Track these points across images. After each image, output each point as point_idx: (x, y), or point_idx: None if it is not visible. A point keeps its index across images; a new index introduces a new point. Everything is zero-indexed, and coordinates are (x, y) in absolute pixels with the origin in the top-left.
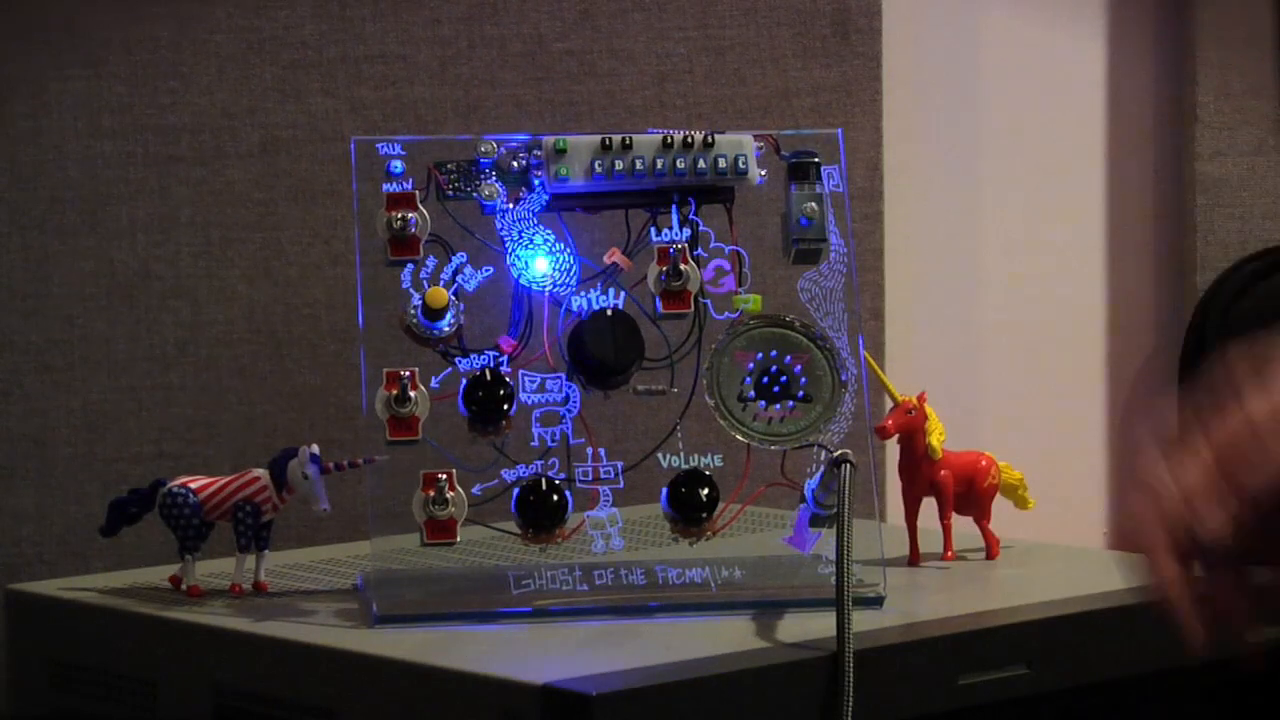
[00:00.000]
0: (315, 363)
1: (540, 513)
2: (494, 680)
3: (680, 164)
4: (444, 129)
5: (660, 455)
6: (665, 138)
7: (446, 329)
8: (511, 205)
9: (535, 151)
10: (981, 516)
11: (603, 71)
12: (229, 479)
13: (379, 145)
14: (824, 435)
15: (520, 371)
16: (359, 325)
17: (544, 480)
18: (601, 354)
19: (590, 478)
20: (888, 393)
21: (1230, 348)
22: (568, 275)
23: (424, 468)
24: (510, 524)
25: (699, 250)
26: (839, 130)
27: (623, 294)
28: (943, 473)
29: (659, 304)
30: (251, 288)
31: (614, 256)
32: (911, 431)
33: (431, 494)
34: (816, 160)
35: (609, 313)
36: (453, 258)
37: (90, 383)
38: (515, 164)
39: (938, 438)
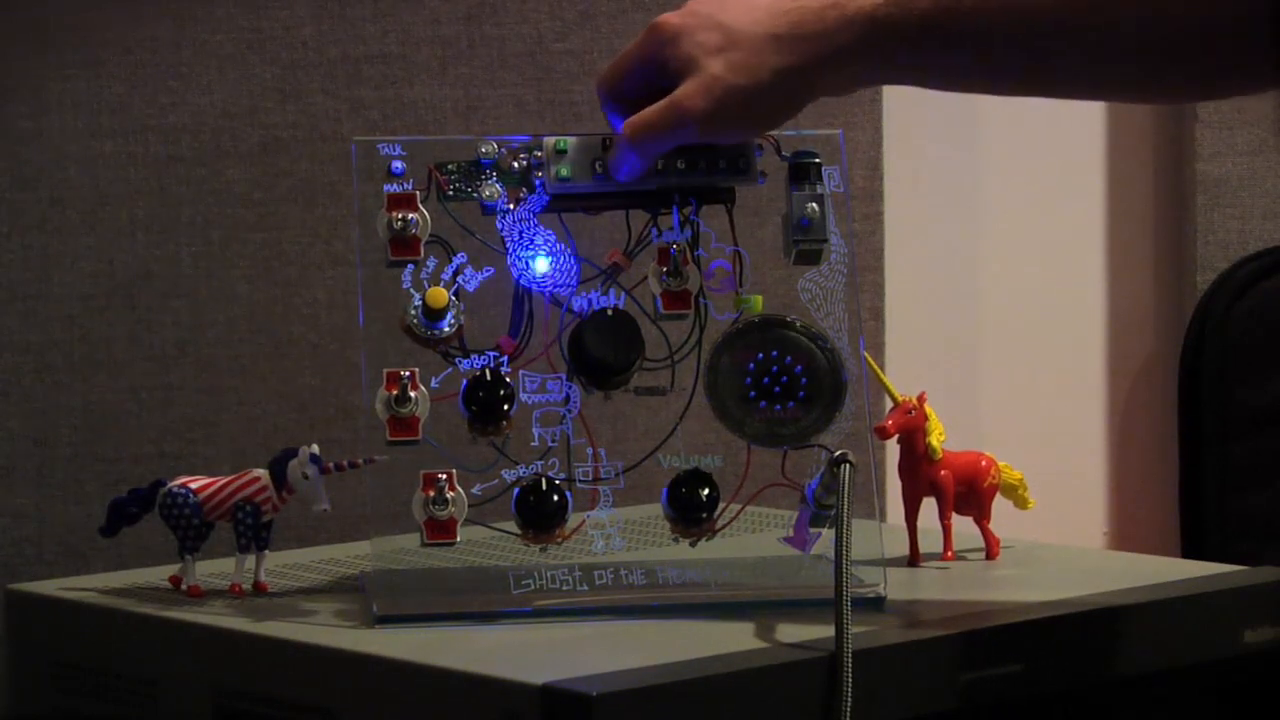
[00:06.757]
0: (315, 363)
1: (540, 513)
2: (494, 680)
3: (681, 164)
4: (444, 129)
5: (660, 455)
6: None
7: (447, 329)
8: (512, 206)
9: (536, 152)
10: (981, 516)
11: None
12: (229, 479)
13: (379, 145)
14: (824, 435)
15: (520, 371)
16: (359, 325)
17: (544, 480)
18: (601, 354)
19: (590, 478)
20: (888, 393)
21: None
22: (568, 275)
23: (424, 468)
24: (510, 524)
25: (699, 250)
26: (839, 131)
27: (623, 294)
28: (943, 473)
29: (659, 304)
30: (251, 288)
31: (614, 257)
32: (911, 431)
33: (431, 494)
34: (817, 160)
35: (609, 313)
36: (453, 258)
37: (90, 383)
38: (516, 164)
39: (938, 438)
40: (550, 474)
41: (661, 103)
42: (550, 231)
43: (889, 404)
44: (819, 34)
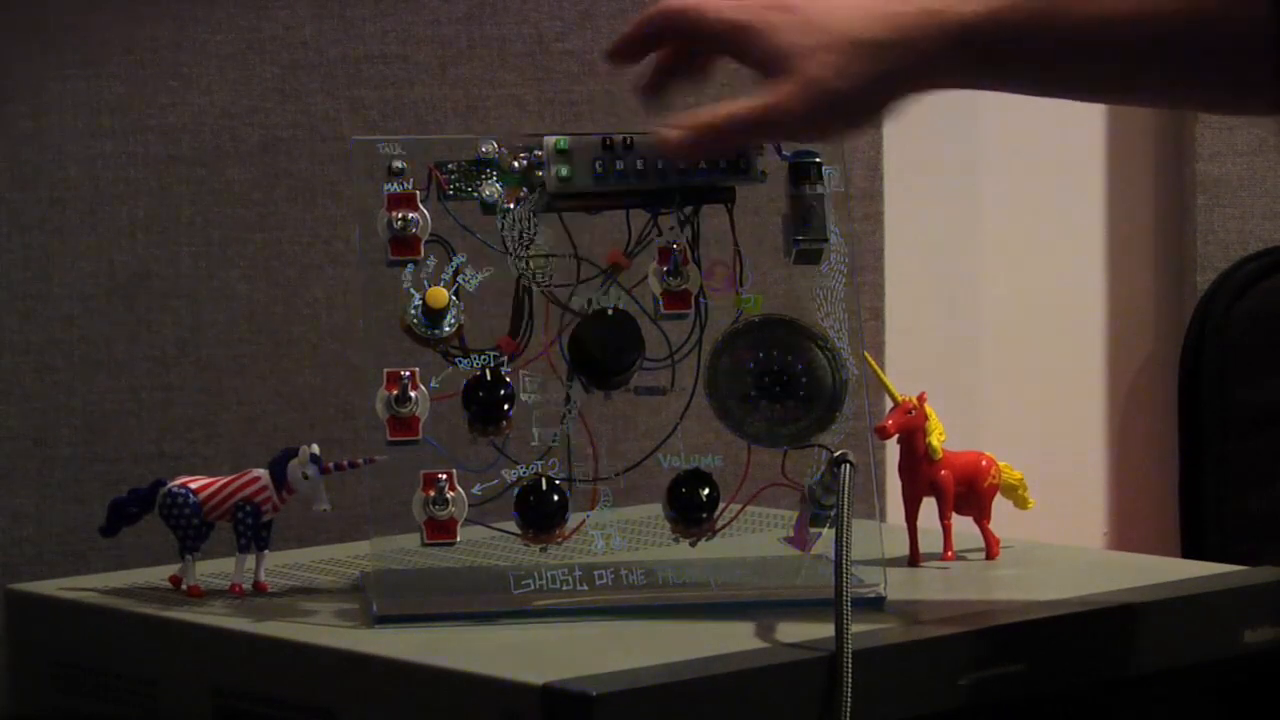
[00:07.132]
0: (315, 363)
1: (540, 513)
2: (494, 680)
3: (681, 163)
4: (444, 129)
5: (660, 455)
6: None
7: (447, 329)
8: (512, 205)
9: (536, 151)
10: (981, 516)
11: (603, 71)
12: (229, 479)
13: (379, 145)
14: (824, 435)
15: (520, 371)
16: (359, 325)
17: (544, 480)
18: (602, 354)
19: (590, 478)
20: (888, 393)
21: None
22: (567, 275)
23: (424, 468)
24: (510, 524)
25: (699, 250)
26: None
27: (623, 294)
28: (943, 473)
29: (659, 304)
30: (251, 288)
31: (614, 257)
32: (911, 431)
33: (431, 494)
34: (817, 160)
35: (609, 313)
36: (453, 258)
37: (90, 383)
38: (516, 164)
39: (938, 438)
40: (550, 474)
41: (758, 102)
42: (550, 231)
43: (889, 404)
44: (915, 40)
